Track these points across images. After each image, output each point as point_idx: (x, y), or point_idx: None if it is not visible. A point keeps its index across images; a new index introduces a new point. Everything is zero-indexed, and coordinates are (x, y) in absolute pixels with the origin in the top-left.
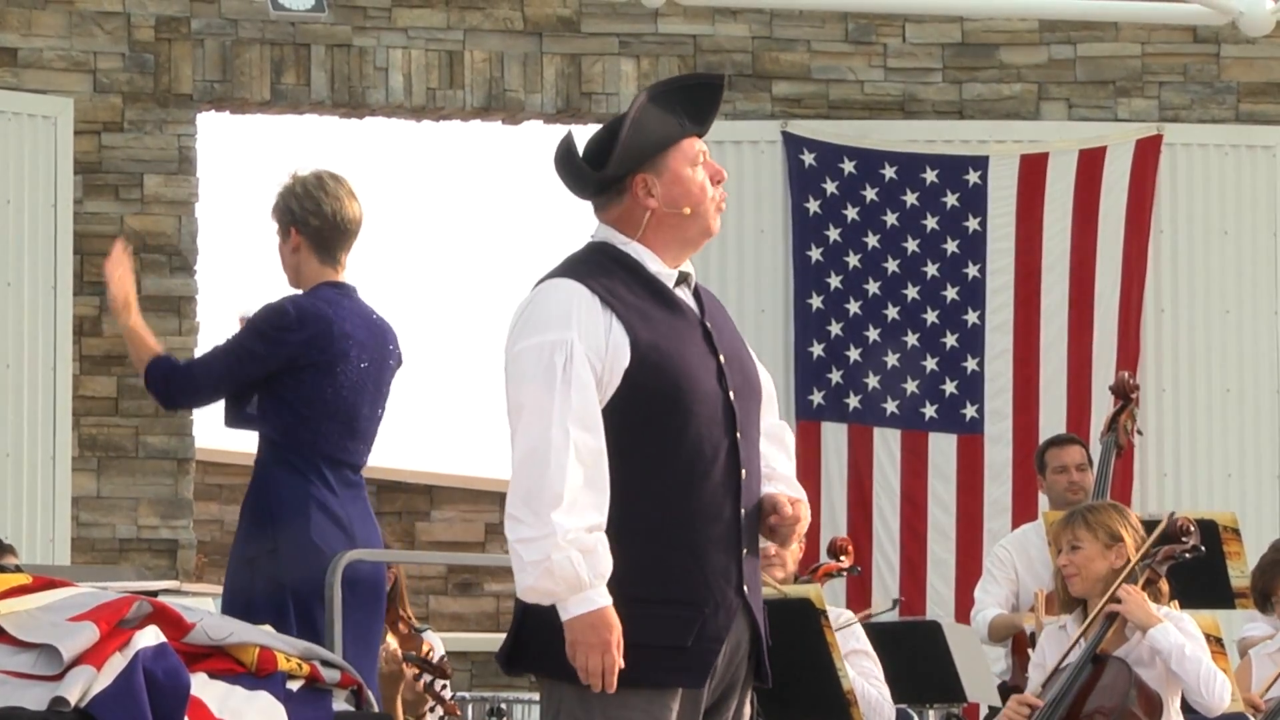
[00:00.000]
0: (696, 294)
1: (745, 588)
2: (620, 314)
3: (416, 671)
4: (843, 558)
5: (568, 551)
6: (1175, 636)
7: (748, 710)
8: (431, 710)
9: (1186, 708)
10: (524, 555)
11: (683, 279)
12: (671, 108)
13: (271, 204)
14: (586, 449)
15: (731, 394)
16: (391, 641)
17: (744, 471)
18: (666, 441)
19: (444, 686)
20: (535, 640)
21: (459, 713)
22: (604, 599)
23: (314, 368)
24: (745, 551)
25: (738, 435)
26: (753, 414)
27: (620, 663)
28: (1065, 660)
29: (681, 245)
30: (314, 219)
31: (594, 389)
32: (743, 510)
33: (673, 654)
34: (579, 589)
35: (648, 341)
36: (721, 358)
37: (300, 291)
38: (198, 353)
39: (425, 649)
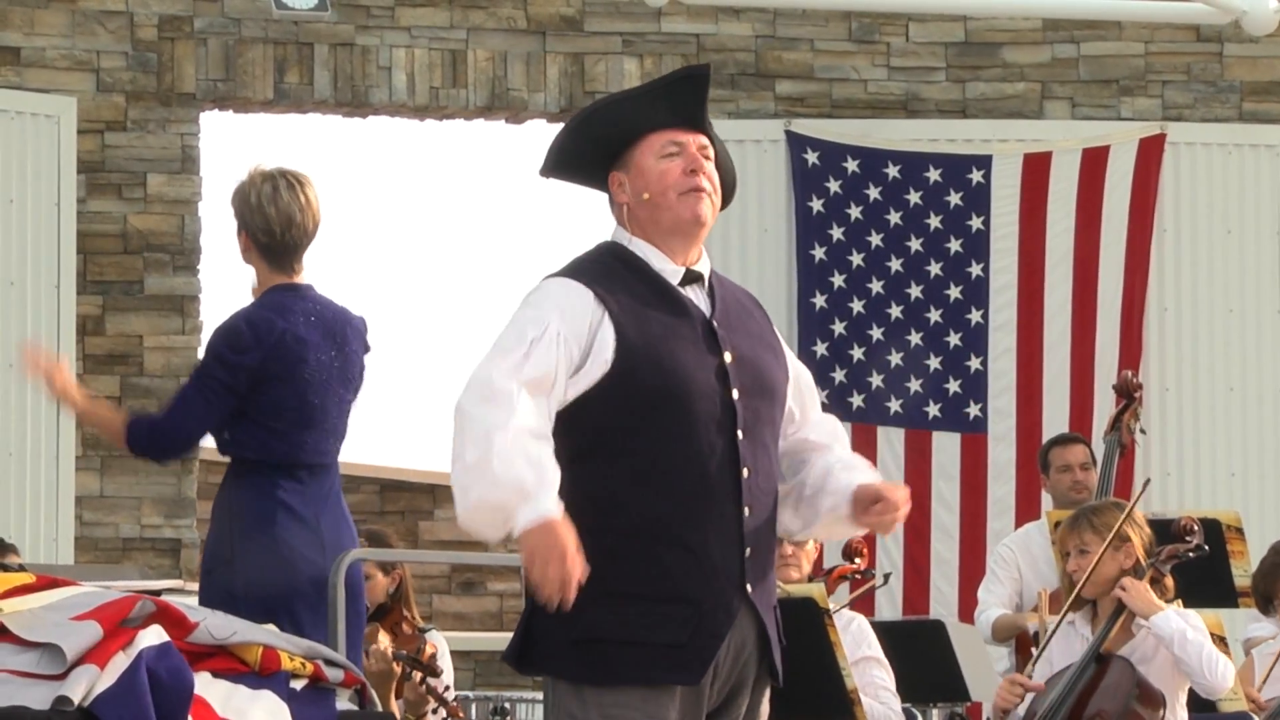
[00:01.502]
0: (712, 292)
1: (749, 586)
2: (612, 312)
3: (409, 670)
4: (858, 560)
5: (511, 455)
6: (1176, 623)
7: (765, 710)
8: (434, 712)
9: (1189, 706)
10: (467, 468)
11: (694, 277)
12: (651, 104)
13: (230, 195)
14: (528, 410)
15: (735, 393)
16: (383, 640)
17: (746, 470)
18: (659, 439)
19: (446, 688)
20: (542, 639)
21: (461, 714)
22: (554, 509)
23: (276, 379)
24: (749, 550)
25: (738, 434)
26: (762, 413)
27: (579, 573)
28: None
29: (667, 237)
30: (262, 235)
31: (557, 373)
32: (746, 509)
33: (670, 651)
34: (527, 497)
35: (637, 340)
36: (726, 356)
37: (250, 301)
38: (201, 351)
39: (428, 650)
